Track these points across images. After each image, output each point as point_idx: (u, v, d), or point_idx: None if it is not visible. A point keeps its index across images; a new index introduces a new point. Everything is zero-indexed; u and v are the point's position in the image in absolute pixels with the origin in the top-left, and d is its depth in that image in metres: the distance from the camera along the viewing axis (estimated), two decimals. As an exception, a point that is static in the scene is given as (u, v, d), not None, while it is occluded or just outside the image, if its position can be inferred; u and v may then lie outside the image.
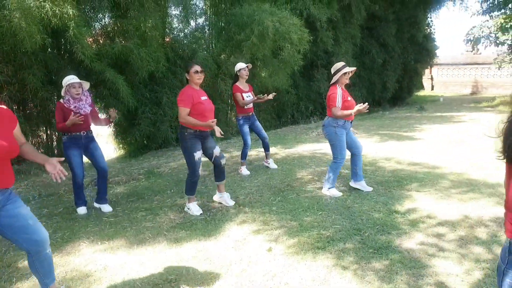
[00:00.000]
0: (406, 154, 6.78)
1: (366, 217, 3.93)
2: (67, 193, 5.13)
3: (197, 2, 9.99)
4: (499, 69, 18.39)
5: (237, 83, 5.66)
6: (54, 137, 7.67)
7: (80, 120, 4.00)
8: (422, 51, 18.67)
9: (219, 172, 4.41)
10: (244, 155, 5.83)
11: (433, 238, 3.43)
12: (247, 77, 5.70)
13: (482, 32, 17.07)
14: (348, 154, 4.72)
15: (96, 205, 4.52)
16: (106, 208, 4.46)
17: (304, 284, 2.77)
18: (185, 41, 9.36)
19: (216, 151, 4.25)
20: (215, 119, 4.00)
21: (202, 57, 8.75)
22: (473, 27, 17.63)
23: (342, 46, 13.11)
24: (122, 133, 8.62)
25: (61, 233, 3.83)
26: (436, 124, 10.59)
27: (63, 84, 4.11)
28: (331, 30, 12.30)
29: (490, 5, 17.21)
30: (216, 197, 4.62)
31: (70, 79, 4.09)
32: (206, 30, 10.18)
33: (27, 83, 6.43)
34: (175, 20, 9.58)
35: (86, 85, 4.29)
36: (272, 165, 6.16)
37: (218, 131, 4.11)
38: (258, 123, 5.89)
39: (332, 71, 4.55)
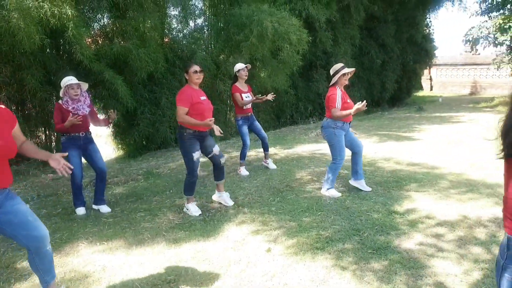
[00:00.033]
0: (405, 154, 6.79)
1: (365, 218, 3.93)
2: (66, 194, 5.12)
3: (196, 3, 9.98)
4: (497, 69, 18.40)
5: (236, 84, 5.66)
6: (53, 138, 7.66)
7: (79, 120, 4.00)
8: (421, 52, 18.70)
9: (218, 171, 4.41)
10: (243, 156, 5.83)
11: (432, 238, 3.44)
12: (246, 78, 5.71)
13: (481, 32, 17.08)
14: (348, 154, 4.72)
15: (94, 207, 4.52)
16: (105, 209, 4.46)
17: (303, 284, 2.77)
18: (184, 42, 9.36)
19: (216, 150, 4.25)
20: (213, 118, 4.00)
21: (201, 57, 8.75)
22: (472, 27, 17.64)
23: (341, 47, 13.12)
24: (121, 134, 8.61)
25: (60, 233, 3.82)
26: (435, 125, 10.59)
27: (61, 85, 4.11)
28: (330, 31, 12.31)
29: (489, 5, 17.21)
30: (215, 197, 4.62)
31: (69, 80, 4.08)
32: (205, 30, 10.18)
33: (26, 84, 6.42)
34: (174, 20, 9.58)
35: (85, 86, 4.28)
36: (271, 165, 6.16)
37: (217, 130, 4.12)
38: (257, 123, 5.89)
39: (331, 72, 4.55)
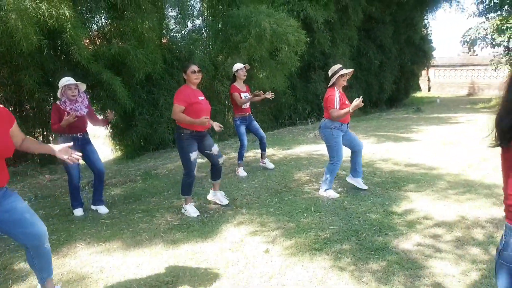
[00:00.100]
0: (403, 155, 6.80)
1: (363, 218, 3.93)
2: (64, 195, 5.11)
3: (194, 4, 9.98)
4: (495, 70, 18.44)
5: (234, 84, 5.69)
6: (51, 139, 7.63)
7: (75, 118, 3.98)
8: (418, 53, 18.73)
9: (216, 171, 4.42)
10: (240, 156, 5.84)
11: (430, 239, 3.44)
12: (244, 78, 5.74)
13: (479, 33, 17.11)
14: (347, 154, 4.73)
15: (93, 207, 4.51)
16: (103, 209, 4.45)
17: (301, 285, 2.77)
18: (182, 43, 9.36)
19: (214, 149, 4.26)
20: (208, 117, 3.99)
21: (199, 58, 8.75)
22: (470, 28, 17.66)
23: (339, 48, 13.14)
24: (119, 135, 8.59)
25: (58, 235, 3.81)
26: (433, 125, 10.61)
27: (59, 85, 4.10)
28: (328, 32, 12.33)
29: (486, 6, 17.26)
30: (210, 196, 4.63)
31: (66, 80, 4.08)
32: (203, 31, 10.17)
33: (23, 85, 6.40)
34: (172, 21, 9.58)
35: (83, 86, 4.28)
36: (269, 164, 6.16)
37: (216, 125, 4.15)
38: (255, 123, 5.90)
39: (330, 73, 4.56)
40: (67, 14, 5.67)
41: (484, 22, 17.35)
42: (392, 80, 16.97)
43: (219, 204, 4.51)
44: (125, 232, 3.84)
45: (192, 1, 9.81)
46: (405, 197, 4.58)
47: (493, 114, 1.45)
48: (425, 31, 19.44)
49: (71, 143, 2.50)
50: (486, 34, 16.74)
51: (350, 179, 4.90)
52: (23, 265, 3.14)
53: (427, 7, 17.66)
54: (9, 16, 5.28)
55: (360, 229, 3.67)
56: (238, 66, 5.70)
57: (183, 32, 9.66)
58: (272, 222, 3.94)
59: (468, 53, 23.66)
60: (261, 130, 5.93)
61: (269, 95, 5.77)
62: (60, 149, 2.38)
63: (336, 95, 4.43)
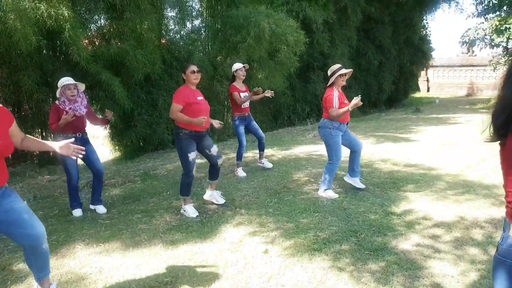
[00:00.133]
0: (402, 155, 6.80)
1: (362, 219, 3.93)
2: (63, 195, 5.10)
3: (193, 4, 10.00)
4: (494, 71, 18.45)
5: (234, 83, 5.70)
6: (50, 139, 7.62)
7: (73, 117, 3.98)
8: (418, 53, 18.76)
9: (214, 171, 4.43)
10: (239, 156, 5.84)
11: (429, 239, 3.44)
12: (244, 78, 5.74)
13: (477, 34, 17.15)
14: (346, 154, 4.73)
15: (91, 206, 4.51)
16: (101, 209, 4.45)
17: (300, 286, 2.77)
18: (181, 43, 9.36)
19: (214, 150, 4.26)
20: (206, 117, 3.99)
21: (198, 58, 8.75)
22: (469, 29, 17.70)
23: (338, 48, 13.15)
24: (118, 135, 8.59)
25: (57, 235, 3.80)
26: (432, 126, 10.62)
27: (58, 85, 4.10)
28: (327, 32, 12.34)
29: (485, 7, 17.31)
30: (206, 196, 4.63)
31: (66, 80, 4.08)
32: (202, 32, 10.18)
33: (22, 85, 6.40)
34: (171, 22, 9.59)
35: (82, 86, 4.28)
36: (267, 164, 6.17)
37: (216, 122, 4.15)
38: (254, 123, 5.90)
39: (329, 73, 4.56)
40: (66, 14, 5.67)
41: (483, 23, 17.40)
42: (391, 80, 17.00)
43: (216, 203, 4.51)
44: (124, 233, 3.84)
45: (191, 2, 9.84)
46: (404, 197, 4.58)
47: (491, 112, 1.46)
48: (424, 32, 19.48)
49: (73, 139, 2.49)
50: (485, 35, 16.78)
51: (347, 178, 4.91)
52: (22, 266, 3.13)
53: (426, 7, 17.70)
54: (8, 16, 5.28)
55: (359, 229, 3.68)
56: (237, 66, 5.71)
57: (182, 32, 9.67)
58: (271, 223, 3.94)
59: (467, 53, 23.69)
60: (260, 131, 5.93)
61: (268, 93, 5.78)
62: (62, 145, 2.37)
63: (335, 94, 4.43)
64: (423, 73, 24.75)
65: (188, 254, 3.32)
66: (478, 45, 17.66)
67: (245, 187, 5.24)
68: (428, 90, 26.47)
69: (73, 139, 2.50)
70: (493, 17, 17.00)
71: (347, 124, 4.64)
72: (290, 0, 11.03)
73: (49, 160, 7.15)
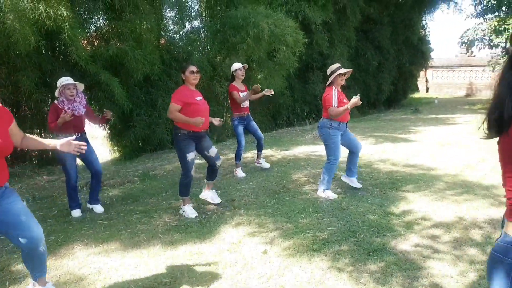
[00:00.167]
0: (401, 156, 6.81)
1: (361, 219, 3.93)
2: (61, 196, 5.10)
3: (192, 4, 9.98)
4: (493, 71, 18.50)
5: (233, 83, 5.70)
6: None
7: (71, 116, 3.98)
8: (417, 54, 18.79)
9: (212, 171, 4.43)
10: (238, 156, 5.83)
11: (428, 239, 3.44)
12: (243, 77, 5.75)
13: (476, 34, 17.20)
14: (345, 154, 4.74)
15: (89, 205, 4.51)
16: (99, 208, 4.46)
17: (300, 286, 2.76)
18: (180, 43, 9.35)
19: (212, 151, 4.25)
20: (203, 118, 3.98)
21: (197, 59, 8.74)
22: (467, 29, 17.76)
23: (337, 49, 13.15)
24: (117, 136, 8.58)
25: (55, 236, 3.80)
26: (431, 126, 10.63)
27: (57, 85, 4.10)
28: (326, 33, 12.34)
29: (484, 8, 17.33)
30: (202, 195, 4.63)
31: (65, 80, 4.08)
32: (201, 32, 10.17)
33: (21, 85, 6.38)
34: (170, 22, 9.58)
35: (81, 86, 4.28)
36: (265, 164, 6.17)
37: (216, 120, 4.16)
38: (253, 123, 5.90)
39: (328, 72, 4.57)
40: (65, 14, 5.67)
41: (482, 23, 17.44)
42: (390, 81, 17.01)
43: (212, 203, 4.51)
44: (123, 233, 3.83)
45: (190, 2, 9.82)
46: (403, 198, 4.58)
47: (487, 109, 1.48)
48: (423, 32, 19.51)
49: (74, 137, 2.49)
50: (484, 35, 16.83)
51: (344, 178, 4.93)
52: (21, 267, 3.12)
53: (425, 8, 17.73)
54: (6, 16, 5.27)
55: (358, 230, 3.68)
56: (236, 65, 5.72)
57: (181, 33, 9.66)
58: (270, 223, 3.94)
59: (466, 54, 23.75)
60: (259, 131, 5.93)
61: (267, 92, 5.78)
62: (62, 143, 2.36)
63: (333, 93, 4.44)
64: (422, 73, 24.80)
65: (187, 254, 3.32)
66: (477, 45, 17.72)
67: (244, 187, 5.23)
68: (427, 91, 26.52)
69: (74, 137, 2.49)
70: (492, 18, 17.04)
71: (346, 123, 4.64)
72: (289, 1, 11.02)
73: (48, 160, 7.13)
